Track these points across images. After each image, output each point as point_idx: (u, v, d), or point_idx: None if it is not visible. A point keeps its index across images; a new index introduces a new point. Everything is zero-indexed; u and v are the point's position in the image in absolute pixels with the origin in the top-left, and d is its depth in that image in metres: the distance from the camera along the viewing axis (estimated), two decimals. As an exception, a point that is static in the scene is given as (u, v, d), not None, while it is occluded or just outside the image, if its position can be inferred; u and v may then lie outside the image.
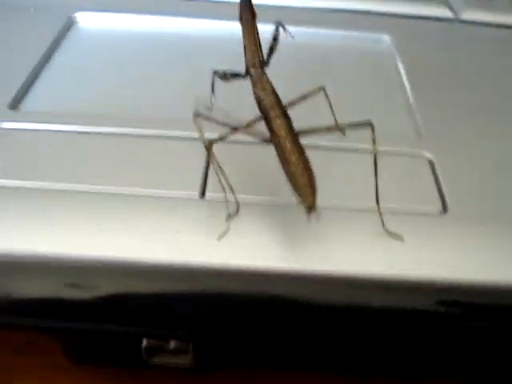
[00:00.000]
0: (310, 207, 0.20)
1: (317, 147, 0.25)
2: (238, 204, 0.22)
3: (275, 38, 0.23)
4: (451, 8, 0.37)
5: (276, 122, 0.21)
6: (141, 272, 0.21)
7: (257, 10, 0.22)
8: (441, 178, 0.24)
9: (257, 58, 0.22)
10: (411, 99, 0.28)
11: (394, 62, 0.31)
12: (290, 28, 0.24)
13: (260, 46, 0.23)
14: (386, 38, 0.33)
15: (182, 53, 0.32)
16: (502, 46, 0.35)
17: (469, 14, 0.37)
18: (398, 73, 0.30)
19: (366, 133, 0.21)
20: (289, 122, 0.22)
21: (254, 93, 0.22)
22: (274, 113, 0.22)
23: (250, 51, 0.22)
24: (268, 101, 0.22)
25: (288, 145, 0.21)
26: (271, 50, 0.23)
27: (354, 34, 0.33)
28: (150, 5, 0.34)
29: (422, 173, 0.24)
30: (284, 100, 0.22)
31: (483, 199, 0.23)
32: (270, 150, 0.21)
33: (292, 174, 0.21)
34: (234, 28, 0.23)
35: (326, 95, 0.24)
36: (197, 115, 0.22)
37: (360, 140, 0.24)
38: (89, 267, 0.20)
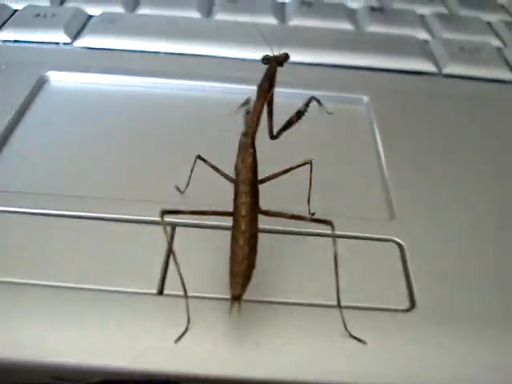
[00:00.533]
0: (234, 297, 0.19)
1: (283, 232, 0.24)
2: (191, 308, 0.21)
3: (299, 113, 0.24)
4: (435, 62, 0.37)
5: (241, 197, 0.21)
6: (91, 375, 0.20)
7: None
8: (410, 267, 0.23)
9: (251, 128, 0.22)
10: (386, 173, 0.27)
11: (371, 128, 0.30)
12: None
13: (272, 115, 0.23)
14: (365, 98, 0.32)
15: (154, 117, 0.31)
16: (484, 101, 0.34)
17: (452, 68, 0.36)
18: (375, 141, 0.30)
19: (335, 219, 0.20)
20: (254, 201, 0.21)
21: (236, 161, 0.22)
22: (243, 188, 0.21)
23: (249, 119, 0.22)
24: (243, 174, 0.21)
25: (242, 225, 0.21)
26: (289, 123, 0.23)
27: (331, 94, 0.32)
28: (124, 65, 0.34)
29: (390, 261, 0.23)
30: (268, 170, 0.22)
31: (454, 293, 0.22)
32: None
33: (234, 255, 0.20)
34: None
35: (311, 170, 0.24)
36: (164, 213, 0.21)
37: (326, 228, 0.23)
38: (35, 371, 0.20)
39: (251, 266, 0.20)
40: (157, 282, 0.22)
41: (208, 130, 0.29)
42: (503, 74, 0.36)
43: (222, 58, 0.35)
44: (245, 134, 0.22)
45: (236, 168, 0.22)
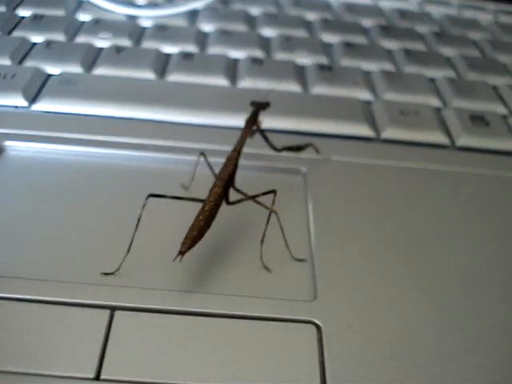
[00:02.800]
0: (180, 252, 0.26)
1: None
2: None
3: (299, 148, 0.34)
4: (375, 127, 0.39)
5: (214, 188, 0.29)
6: None
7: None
8: (326, 350, 0.25)
9: (237, 147, 0.30)
10: (314, 251, 0.30)
11: (305, 202, 0.33)
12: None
13: (266, 137, 0.32)
14: (303, 169, 0.35)
15: (108, 191, 0.33)
16: (421, 169, 0.36)
17: (391, 133, 0.38)
18: (307, 215, 0.32)
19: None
20: (223, 194, 0.29)
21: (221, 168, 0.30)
22: (218, 182, 0.29)
23: (237, 143, 0.30)
24: (222, 173, 0.29)
25: (207, 206, 0.28)
26: (292, 148, 0.34)
27: (269, 164, 0.34)
28: (82, 132, 0.35)
29: (306, 344, 0.25)
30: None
31: (367, 375, 0.24)
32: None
33: (192, 224, 0.27)
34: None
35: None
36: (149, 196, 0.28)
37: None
38: None
39: (200, 235, 0.27)
40: (94, 366, 0.24)
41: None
42: (438, 138, 0.39)
43: (177, 123, 0.37)
44: (232, 151, 0.30)
45: (219, 172, 0.30)
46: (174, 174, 0.33)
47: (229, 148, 0.31)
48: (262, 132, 0.32)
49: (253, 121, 0.31)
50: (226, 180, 0.29)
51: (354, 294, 0.28)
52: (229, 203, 0.30)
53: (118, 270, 0.28)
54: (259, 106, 0.31)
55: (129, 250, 0.28)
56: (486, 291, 0.29)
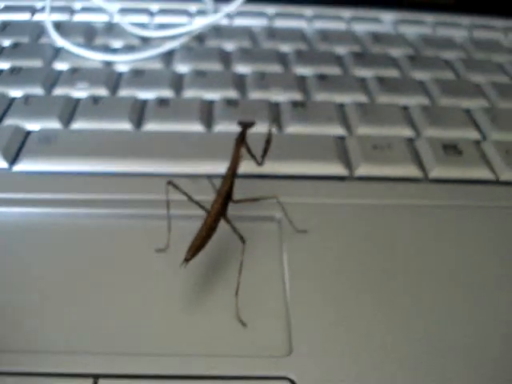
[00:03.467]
0: (186, 259, 0.30)
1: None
2: None
3: (268, 141, 0.34)
4: (347, 165, 0.40)
5: (215, 202, 0.32)
6: None
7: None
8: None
9: (232, 165, 0.33)
10: (289, 304, 0.30)
11: (280, 250, 0.33)
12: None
13: (251, 152, 0.34)
14: (277, 215, 0.35)
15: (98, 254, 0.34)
16: (398, 206, 0.37)
17: (365, 169, 0.39)
18: (282, 266, 0.33)
19: None
20: (222, 207, 0.32)
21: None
22: (217, 197, 0.32)
23: (231, 161, 0.33)
24: (221, 189, 0.33)
25: (208, 219, 0.31)
26: (265, 151, 0.34)
27: (244, 213, 0.35)
28: (63, 192, 0.36)
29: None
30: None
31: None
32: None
33: (196, 234, 0.31)
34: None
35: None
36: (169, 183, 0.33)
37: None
38: None
39: (202, 245, 0.31)
40: None
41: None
42: (411, 171, 0.39)
43: (157, 175, 0.38)
44: (228, 170, 0.33)
45: (218, 189, 0.33)
46: (160, 230, 0.34)
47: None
48: (249, 150, 0.34)
49: (241, 139, 0.33)
50: (223, 196, 0.32)
51: (330, 346, 0.29)
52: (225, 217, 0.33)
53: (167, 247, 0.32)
54: (246, 125, 0.34)
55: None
56: (461, 329, 0.30)
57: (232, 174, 0.33)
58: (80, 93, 0.45)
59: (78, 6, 0.58)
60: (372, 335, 0.29)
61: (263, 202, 0.35)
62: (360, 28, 0.57)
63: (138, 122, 0.43)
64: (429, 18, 0.60)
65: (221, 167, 0.37)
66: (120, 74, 0.48)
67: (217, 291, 0.31)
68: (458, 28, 0.60)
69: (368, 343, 0.29)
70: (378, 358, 0.28)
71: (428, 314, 0.30)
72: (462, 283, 0.32)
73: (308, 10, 0.59)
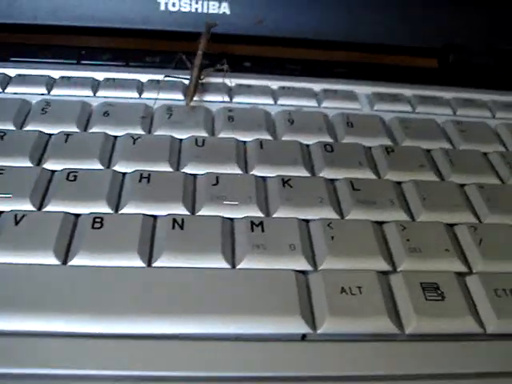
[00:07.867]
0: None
1: None
2: None
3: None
4: (310, 320, 0.33)
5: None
6: None
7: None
8: None
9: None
10: None
11: None
12: None
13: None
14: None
15: None
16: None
17: (328, 327, 0.33)
18: None
19: None
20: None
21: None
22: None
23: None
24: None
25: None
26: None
27: None
28: None
29: None
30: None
31: None
32: None
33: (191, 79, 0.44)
34: None
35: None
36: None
37: None
38: None
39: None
40: None
41: None
42: (386, 325, 0.33)
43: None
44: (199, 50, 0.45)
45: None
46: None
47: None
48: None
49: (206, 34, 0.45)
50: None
51: None
52: None
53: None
54: (210, 25, 0.45)
55: None
56: None
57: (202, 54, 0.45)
58: None
59: None
60: None
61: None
62: (332, 112, 0.51)
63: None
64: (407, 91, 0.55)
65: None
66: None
67: None
68: (440, 105, 0.54)
69: None
70: None
71: None
72: None
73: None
